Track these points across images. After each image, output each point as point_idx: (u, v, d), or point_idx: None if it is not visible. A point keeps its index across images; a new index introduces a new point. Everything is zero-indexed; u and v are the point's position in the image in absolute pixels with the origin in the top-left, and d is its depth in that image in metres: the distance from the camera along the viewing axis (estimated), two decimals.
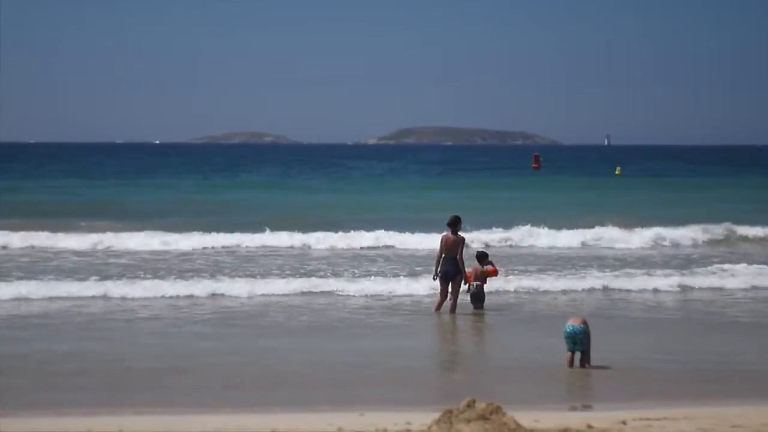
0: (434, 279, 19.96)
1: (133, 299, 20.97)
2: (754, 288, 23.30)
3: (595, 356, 14.96)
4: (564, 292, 22.49)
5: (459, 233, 19.76)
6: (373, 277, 23.93)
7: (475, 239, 29.82)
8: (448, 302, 19.62)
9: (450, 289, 19.63)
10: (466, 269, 19.77)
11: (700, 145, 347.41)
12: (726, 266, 26.22)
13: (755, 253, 30.36)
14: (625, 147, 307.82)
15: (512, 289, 22.58)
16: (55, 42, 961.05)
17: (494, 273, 20.40)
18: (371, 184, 69.52)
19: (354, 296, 21.67)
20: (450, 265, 19.55)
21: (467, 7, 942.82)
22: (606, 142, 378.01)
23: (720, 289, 23.21)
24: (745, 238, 33.52)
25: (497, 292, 21.85)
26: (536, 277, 24.16)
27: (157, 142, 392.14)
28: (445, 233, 19.85)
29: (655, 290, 22.83)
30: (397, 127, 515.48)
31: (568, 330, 14.96)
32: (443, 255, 19.67)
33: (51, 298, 20.99)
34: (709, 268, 26.10)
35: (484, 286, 20.21)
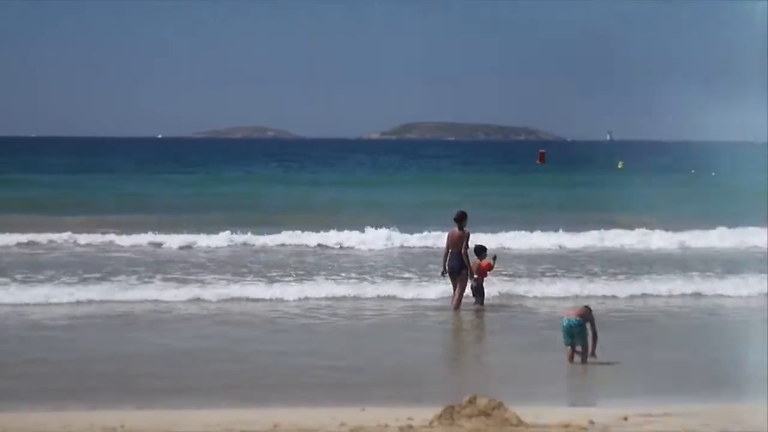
0: (442, 275, 19.96)
1: (157, 301, 20.77)
2: None
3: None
4: None
5: (464, 228, 19.76)
6: (375, 278, 23.75)
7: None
8: (456, 296, 19.59)
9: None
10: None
11: (702, 141, 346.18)
12: None
13: None
14: (626, 142, 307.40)
15: None
16: (55, 35, 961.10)
17: (486, 267, 20.21)
18: (379, 179, 69.32)
19: (356, 298, 21.44)
20: (456, 261, 19.56)
21: (468, 2, 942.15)
22: (608, 138, 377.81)
23: None
24: None
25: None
26: None
27: (160, 136, 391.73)
28: (452, 229, 19.82)
29: None
30: (399, 122, 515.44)
31: (564, 324, 14.99)
32: (450, 250, 19.70)
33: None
34: None
35: (484, 279, 20.20)
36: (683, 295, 21.79)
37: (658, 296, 21.59)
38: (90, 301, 20.32)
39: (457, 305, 19.53)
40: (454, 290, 19.69)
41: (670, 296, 21.67)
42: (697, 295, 21.85)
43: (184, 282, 22.35)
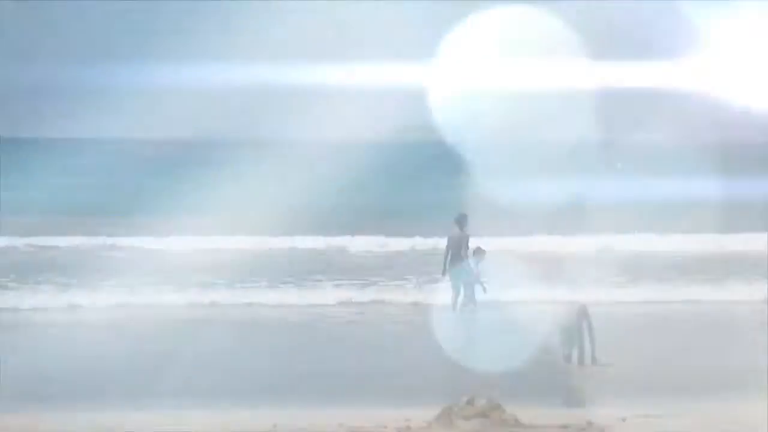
0: (443, 275, 19.95)
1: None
2: None
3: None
4: None
5: (465, 230, 19.76)
6: (373, 281, 23.59)
7: None
8: (460, 298, 19.57)
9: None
10: None
11: None
12: None
13: None
14: None
15: None
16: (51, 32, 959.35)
17: None
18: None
19: (355, 301, 21.34)
20: (456, 262, 19.57)
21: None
22: None
23: None
24: None
25: None
26: None
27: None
28: (453, 230, 19.82)
29: None
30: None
31: (560, 326, 15.02)
32: (450, 251, 19.72)
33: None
34: None
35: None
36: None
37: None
38: (89, 304, 20.33)
39: (458, 306, 19.53)
40: (454, 291, 19.68)
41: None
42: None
43: (184, 284, 22.33)
